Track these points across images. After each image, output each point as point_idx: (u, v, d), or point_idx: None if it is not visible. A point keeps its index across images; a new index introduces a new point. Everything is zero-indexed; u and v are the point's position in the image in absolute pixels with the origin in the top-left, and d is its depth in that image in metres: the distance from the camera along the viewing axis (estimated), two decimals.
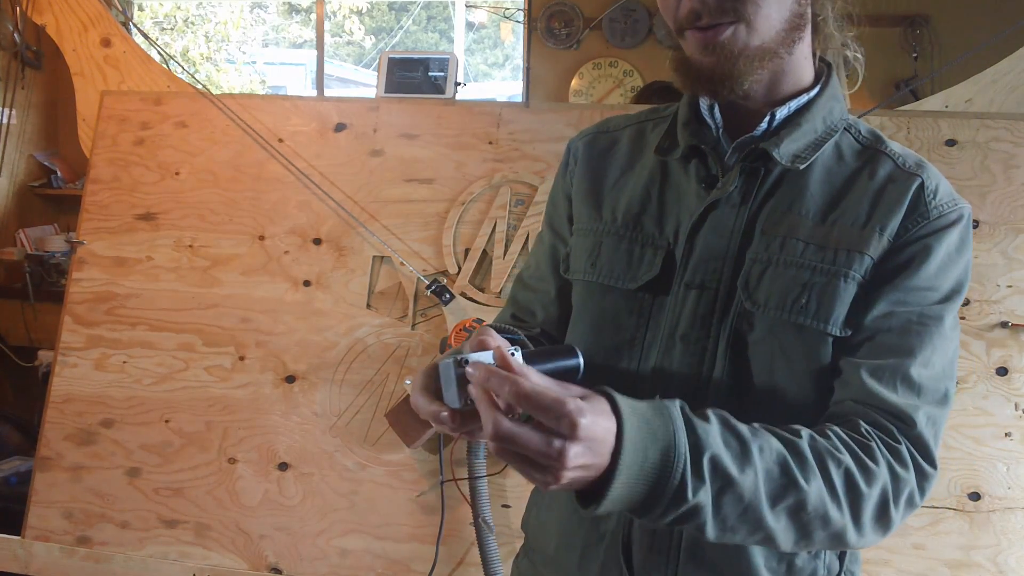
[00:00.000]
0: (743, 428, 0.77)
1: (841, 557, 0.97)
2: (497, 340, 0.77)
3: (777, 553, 0.91)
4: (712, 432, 0.75)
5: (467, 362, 0.73)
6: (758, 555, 0.91)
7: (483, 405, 0.70)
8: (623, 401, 0.72)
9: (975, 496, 1.85)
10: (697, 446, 0.73)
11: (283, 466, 2.10)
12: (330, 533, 2.06)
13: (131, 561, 2.11)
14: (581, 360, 0.80)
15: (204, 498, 2.11)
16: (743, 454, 0.75)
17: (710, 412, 0.77)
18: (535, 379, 0.70)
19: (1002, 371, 1.87)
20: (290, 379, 2.13)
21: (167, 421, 2.16)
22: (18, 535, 2.15)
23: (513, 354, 0.73)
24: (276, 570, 2.06)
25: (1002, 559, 1.83)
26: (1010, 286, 1.89)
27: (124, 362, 2.20)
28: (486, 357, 0.73)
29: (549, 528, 1.06)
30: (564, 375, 0.76)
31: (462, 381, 0.74)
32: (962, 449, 1.85)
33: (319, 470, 2.09)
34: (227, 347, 2.17)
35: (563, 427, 0.67)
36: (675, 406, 0.75)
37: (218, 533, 2.10)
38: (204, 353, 2.17)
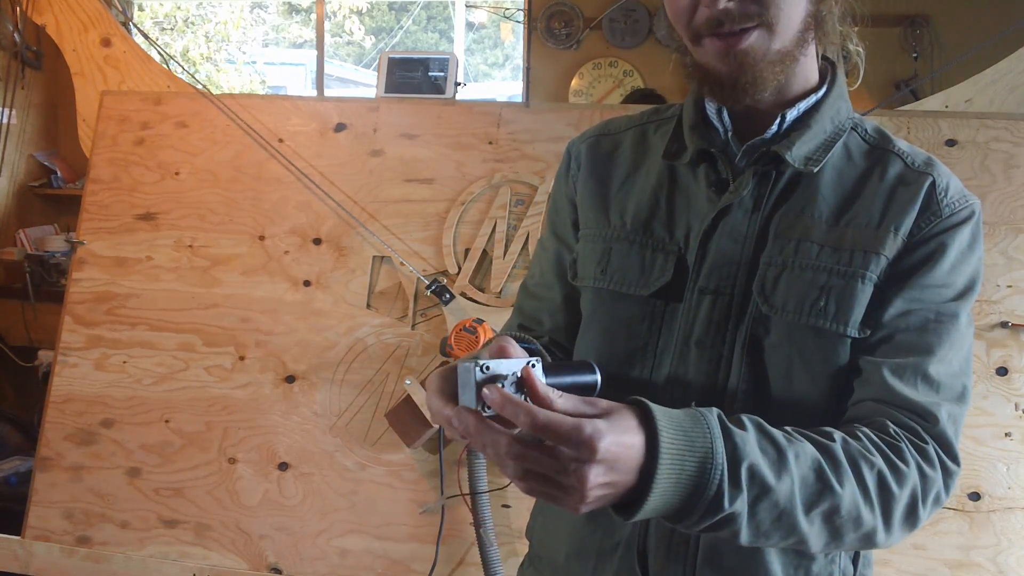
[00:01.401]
0: (778, 434, 0.77)
1: (855, 561, 0.96)
2: (517, 350, 0.76)
3: (795, 559, 0.91)
4: (749, 440, 0.74)
5: (488, 368, 0.72)
6: (775, 561, 0.91)
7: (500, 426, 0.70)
8: (659, 412, 0.72)
9: (975, 496, 1.85)
10: (735, 455, 0.73)
11: (283, 466, 2.10)
12: (330, 533, 2.06)
13: (131, 561, 2.11)
14: (599, 376, 0.79)
15: (204, 498, 2.11)
16: (779, 461, 0.75)
17: (745, 419, 0.77)
18: (558, 404, 0.70)
19: (1002, 371, 1.87)
20: (290, 379, 2.13)
21: (167, 421, 2.16)
22: (18, 535, 2.15)
23: (533, 366, 0.72)
24: (276, 570, 2.06)
25: (1002, 559, 1.83)
26: (1010, 286, 1.89)
27: (124, 362, 2.20)
28: (507, 367, 0.72)
29: (558, 536, 1.04)
30: (581, 391, 0.75)
31: (479, 387, 0.73)
32: (962, 449, 1.83)
33: (319, 470, 2.09)
34: (227, 347, 2.17)
35: (583, 453, 0.67)
36: (712, 415, 0.74)
37: (218, 533, 2.10)
38: (204, 353, 2.17)
